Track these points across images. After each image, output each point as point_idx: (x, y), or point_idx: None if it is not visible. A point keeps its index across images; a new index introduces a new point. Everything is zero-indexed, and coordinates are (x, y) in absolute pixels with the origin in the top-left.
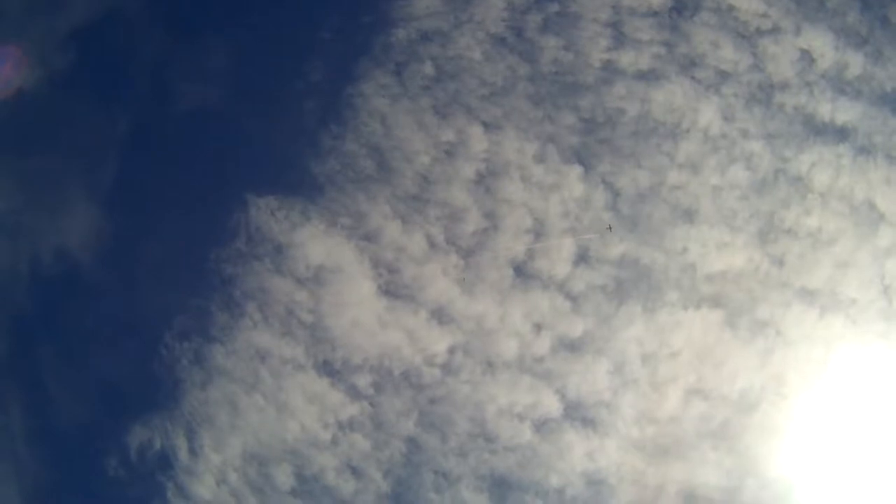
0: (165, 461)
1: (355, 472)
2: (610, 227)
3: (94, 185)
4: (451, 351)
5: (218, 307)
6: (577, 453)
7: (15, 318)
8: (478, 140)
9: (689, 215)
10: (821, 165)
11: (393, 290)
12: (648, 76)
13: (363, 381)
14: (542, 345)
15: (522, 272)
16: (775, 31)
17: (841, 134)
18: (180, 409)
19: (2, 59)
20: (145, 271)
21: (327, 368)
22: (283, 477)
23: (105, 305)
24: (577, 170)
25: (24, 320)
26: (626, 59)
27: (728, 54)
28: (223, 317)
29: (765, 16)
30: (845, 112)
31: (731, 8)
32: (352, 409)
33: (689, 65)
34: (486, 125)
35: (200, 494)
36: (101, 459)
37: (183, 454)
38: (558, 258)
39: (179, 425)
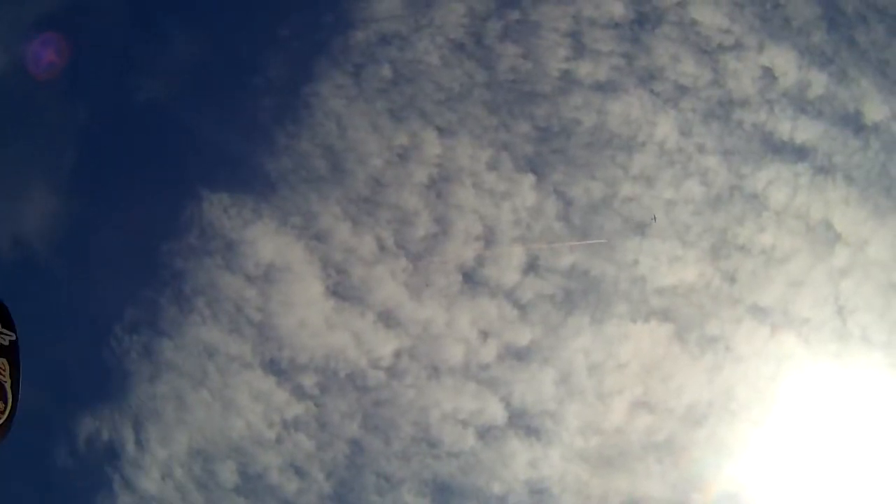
0: (112, 453)
1: (298, 471)
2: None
3: (51, 175)
4: (397, 355)
5: (168, 301)
6: (520, 461)
7: None
8: (431, 145)
9: (642, 228)
10: (778, 183)
11: (341, 291)
12: (606, 87)
13: (308, 381)
14: (489, 352)
15: (471, 279)
16: (738, 47)
17: (800, 153)
18: (128, 402)
19: (45, 45)
20: (98, 262)
21: (273, 367)
22: (228, 474)
23: (58, 294)
24: (529, 178)
25: None
26: (585, 69)
27: (688, 69)
28: (173, 311)
29: (728, 31)
30: (805, 131)
31: (694, 22)
32: (297, 409)
33: (648, 78)
34: (440, 130)
35: (146, 488)
36: (50, 448)
37: (130, 447)
38: (507, 266)
39: (127, 418)
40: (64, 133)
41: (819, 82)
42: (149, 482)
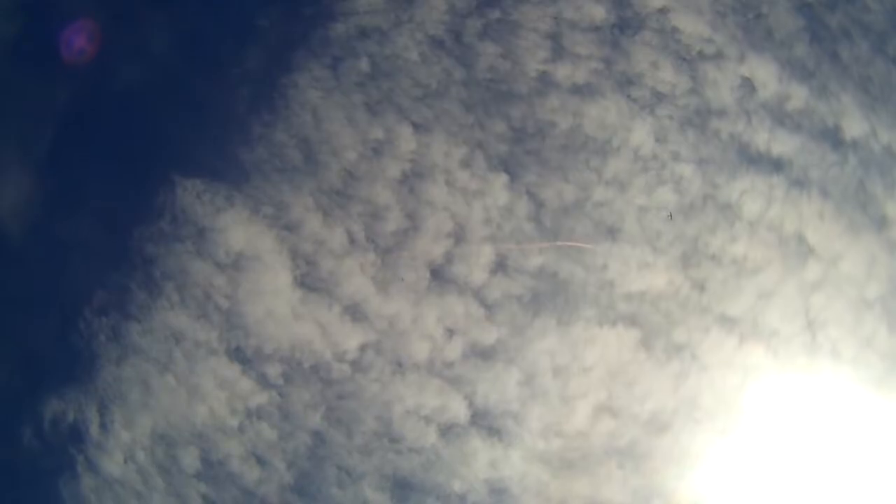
0: (77, 435)
1: (260, 460)
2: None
3: (23, 157)
4: (363, 348)
5: (137, 285)
6: (481, 460)
7: None
8: (406, 140)
9: (612, 233)
10: (752, 194)
11: (309, 282)
12: (583, 91)
13: (273, 370)
14: (454, 350)
15: (439, 276)
16: (718, 56)
17: (776, 165)
18: (94, 384)
19: (77, 32)
20: (70, 243)
21: (239, 355)
22: (190, 459)
23: (29, 274)
24: (502, 178)
25: None
26: (563, 71)
27: (667, 76)
28: (141, 295)
29: (709, 40)
30: (783, 143)
31: (675, 30)
32: (260, 398)
33: (626, 83)
34: (415, 126)
35: (109, 470)
36: (17, 428)
37: (94, 429)
38: (476, 265)
39: (92, 400)
40: (37, 116)
41: (799, 95)
42: (112, 465)
